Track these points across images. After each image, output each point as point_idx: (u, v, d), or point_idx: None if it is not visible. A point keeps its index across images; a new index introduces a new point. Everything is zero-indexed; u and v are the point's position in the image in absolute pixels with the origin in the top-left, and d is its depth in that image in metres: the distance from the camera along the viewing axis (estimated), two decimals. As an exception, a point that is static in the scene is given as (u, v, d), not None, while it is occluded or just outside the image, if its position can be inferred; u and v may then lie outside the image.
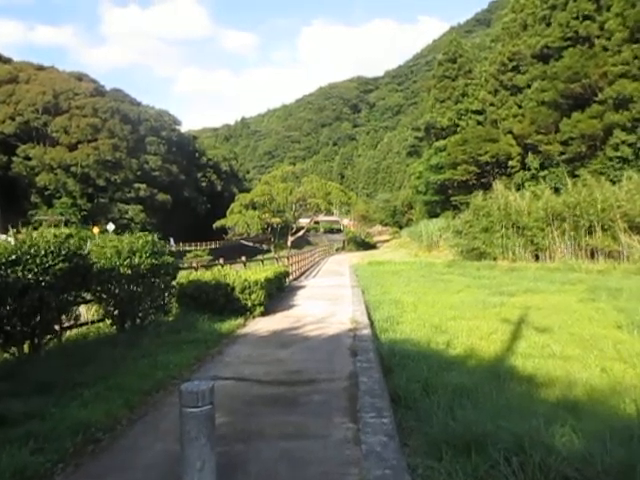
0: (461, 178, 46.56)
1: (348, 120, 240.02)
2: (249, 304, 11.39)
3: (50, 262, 6.65)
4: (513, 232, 28.36)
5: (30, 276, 6.41)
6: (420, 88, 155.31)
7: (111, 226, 63.55)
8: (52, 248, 6.76)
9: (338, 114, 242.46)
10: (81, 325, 9.22)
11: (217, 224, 59.11)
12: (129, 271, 8.63)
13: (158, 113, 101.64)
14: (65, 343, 8.25)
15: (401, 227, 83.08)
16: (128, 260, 8.69)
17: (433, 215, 53.35)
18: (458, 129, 51.49)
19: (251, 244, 60.55)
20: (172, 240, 74.73)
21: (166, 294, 9.53)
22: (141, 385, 5.94)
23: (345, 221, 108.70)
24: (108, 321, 9.16)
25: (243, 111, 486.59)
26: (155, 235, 9.61)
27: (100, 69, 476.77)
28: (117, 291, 8.69)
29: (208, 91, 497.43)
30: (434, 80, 59.30)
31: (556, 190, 32.62)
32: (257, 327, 10.40)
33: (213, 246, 75.75)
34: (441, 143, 51.04)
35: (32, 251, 6.56)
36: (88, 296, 8.49)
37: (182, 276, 12.34)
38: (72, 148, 77.95)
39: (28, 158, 76.43)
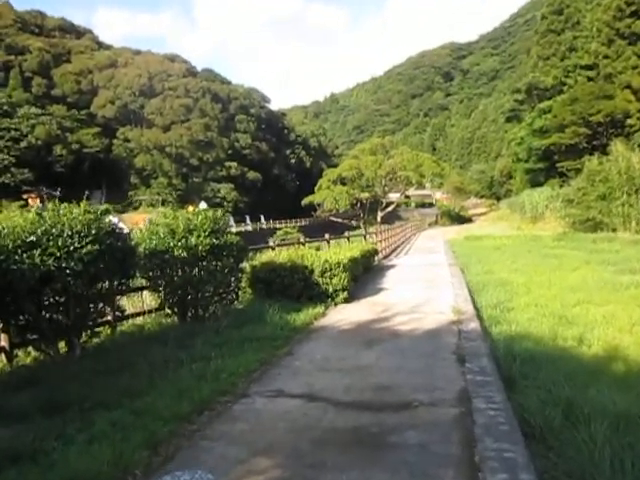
0: (569, 141, 42.01)
1: (440, 89, 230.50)
2: (330, 289, 9.79)
3: (76, 244, 5.35)
4: (637, 199, 24.65)
5: (51, 262, 5.13)
6: (518, 50, 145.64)
7: (203, 204, 64.43)
8: (78, 227, 5.45)
9: (429, 83, 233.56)
10: (137, 315, 8.08)
11: (305, 201, 58.00)
12: (185, 253, 7.28)
13: (247, 91, 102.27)
14: (113, 339, 7.09)
15: (499, 199, 78.20)
16: (184, 240, 7.33)
17: (536, 184, 48.96)
18: (565, 88, 46.61)
19: (340, 220, 58.87)
20: (262, 218, 75.23)
21: (231, 279, 8.09)
22: (178, 407, 4.49)
23: (437, 194, 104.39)
24: (168, 311, 7.93)
25: (332, 87, 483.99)
26: (221, 211, 8.22)
27: (194, 53, 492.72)
28: (172, 277, 7.39)
29: (297, 69, 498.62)
30: (537, 36, 54.28)
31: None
32: (338, 317, 8.77)
33: (303, 223, 75.21)
34: (546, 104, 46.41)
35: (54, 231, 5.28)
36: (135, 283, 7.24)
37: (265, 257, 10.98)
38: (166, 129, 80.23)
39: (127, 140, 79.74)
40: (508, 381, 5.41)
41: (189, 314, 7.81)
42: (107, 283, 6.11)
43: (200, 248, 7.37)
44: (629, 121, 38.91)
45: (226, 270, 7.77)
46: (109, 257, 5.77)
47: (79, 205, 5.86)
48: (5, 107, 68.14)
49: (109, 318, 7.44)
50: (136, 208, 73.18)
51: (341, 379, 5.43)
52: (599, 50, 43.96)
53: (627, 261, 15.43)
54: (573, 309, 9.16)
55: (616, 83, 40.72)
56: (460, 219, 73.43)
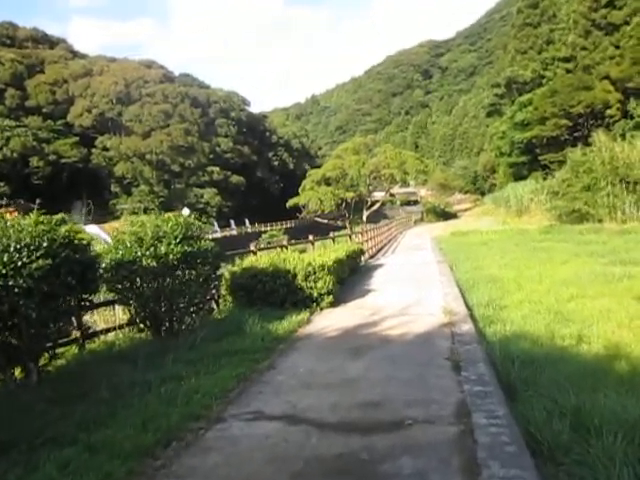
0: (551, 134, 41.97)
1: (420, 87, 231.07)
2: (315, 294, 9.27)
3: (25, 259, 4.78)
4: (622, 189, 24.46)
5: (-5, 280, 4.56)
6: (495, 46, 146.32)
7: (186, 211, 62.72)
8: (27, 240, 4.88)
9: (409, 82, 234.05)
10: (107, 331, 7.51)
11: (290, 203, 57.47)
12: (154, 263, 6.72)
13: (227, 94, 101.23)
14: (79, 359, 6.50)
15: (483, 194, 78.30)
16: (152, 249, 6.77)
17: (519, 178, 48.90)
18: (544, 81, 46.61)
19: (326, 221, 58.45)
20: (247, 222, 74.49)
21: (207, 288, 7.54)
22: (141, 439, 3.95)
23: (422, 192, 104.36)
24: (141, 325, 7.36)
25: (313, 88, 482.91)
26: (193, 216, 7.67)
27: (172, 60, 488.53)
28: (142, 289, 6.82)
29: (278, 71, 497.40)
30: (514, 30, 54.33)
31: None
32: (324, 324, 8.25)
33: (288, 225, 74.58)
34: (526, 98, 46.35)
35: (-1, 245, 4.70)
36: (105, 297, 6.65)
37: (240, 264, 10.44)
38: (146, 136, 78.98)
39: (106, 149, 78.40)
40: (508, 389, 4.95)
41: (163, 328, 7.24)
42: (66, 300, 5.51)
43: (171, 257, 6.80)
44: (609, 111, 38.94)
45: (201, 279, 7.22)
46: (65, 271, 5.20)
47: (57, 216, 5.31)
48: (-22, 120, 66.73)
49: (77, 336, 6.89)
50: (117, 217, 72.00)
51: (327, 396, 4.92)
52: (576, 42, 44.01)
53: (616, 252, 15.16)
54: (568, 304, 8.74)
55: (594, 74, 40.73)
56: (445, 215, 73.22)
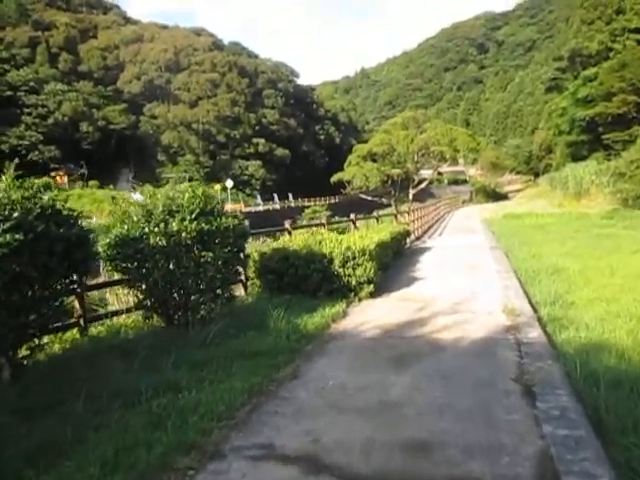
0: (617, 111, 38.91)
1: (474, 62, 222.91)
2: (353, 282, 8.09)
3: (-9, 234, 3.78)
4: (701, 173, 22.17)
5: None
6: (557, 19, 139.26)
7: (230, 182, 63.15)
8: (-5, 209, 3.87)
9: (463, 56, 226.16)
10: (114, 315, 6.59)
11: (334, 178, 56.07)
12: (164, 241, 5.68)
13: (275, 65, 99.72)
14: (74, 348, 5.58)
15: (537, 174, 74.82)
16: (162, 225, 5.73)
17: (579, 158, 45.85)
18: (612, 54, 43.04)
19: (370, 198, 56.93)
20: (290, 196, 73.59)
21: (228, 273, 6.46)
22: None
23: (471, 171, 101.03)
24: (149, 313, 6.40)
25: (363, 62, 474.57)
26: (215, 187, 6.57)
27: (223, 29, 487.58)
28: (149, 271, 5.81)
29: (328, 44, 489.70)
30: (580, -1, 50.36)
31: None
32: (362, 319, 7.08)
33: (332, 201, 73.34)
34: (591, 72, 43.09)
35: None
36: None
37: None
38: (193, 105, 78.77)
39: (154, 117, 78.65)
40: (599, 429, 3.71)
41: (175, 317, 6.23)
42: (45, 284, 4.51)
43: (184, 235, 5.74)
44: (685, 88, 35.69)
45: (220, 262, 6.13)
46: (42, 249, 4.19)
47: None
48: (32, 83, 67.58)
49: (76, 320, 5.98)
50: (163, 186, 72.34)
51: (360, 427, 3.78)
52: (652, 11, 40.40)
53: None
54: None
55: (671, 46, 37.34)
56: (496, 196, 70.52)
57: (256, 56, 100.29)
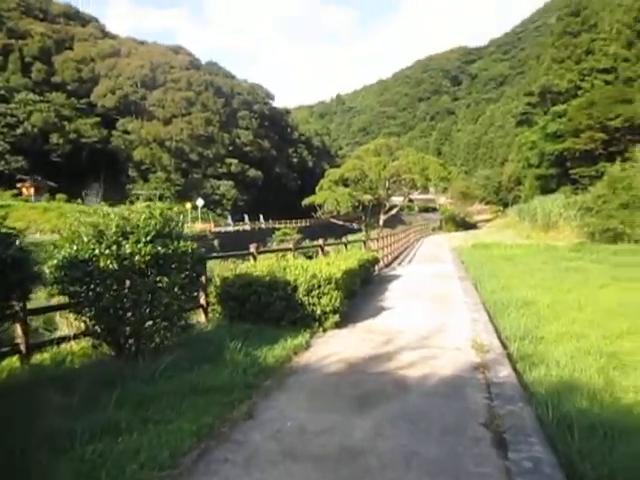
0: (584, 147, 39.98)
1: (447, 93, 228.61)
2: (318, 311, 7.76)
3: None
4: (664, 209, 22.73)
5: None
6: (529, 56, 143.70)
7: (200, 201, 62.47)
8: None
9: (436, 87, 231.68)
10: (61, 341, 6.10)
11: (306, 201, 55.87)
12: (115, 264, 5.28)
13: (251, 87, 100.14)
14: (8, 380, 5.09)
15: (505, 205, 76.21)
16: (115, 247, 5.33)
17: (547, 191, 46.87)
18: (580, 92, 44.46)
19: (341, 222, 56.82)
20: (261, 217, 73.14)
21: (184, 299, 6.06)
22: None
23: (442, 199, 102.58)
24: (96, 341, 5.94)
25: (339, 88, 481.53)
26: (172, 206, 6.23)
27: (202, 50, 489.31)
28: (98, 296, 5.39)
29: (305, 69, 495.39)
30: (552, 38, 52.22)
31: None
32: (325, 352, 6.73)
33: (303, 224, 73.17)
34: (560, 108, 44.33)
35: None
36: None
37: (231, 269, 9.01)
38: (167, 122, 78.20)
39: (126, 132, 77.67)
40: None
41: (126, 345, 5.80)
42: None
43: (137, 258, 5.36)
44: (649, 127, 36.91)
45: (176, 288, 5.75)
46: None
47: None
48: (2, 92, 66.15)
49: (17, 347, 5.49)
50: (133, 202, 71.00)
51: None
52: (618, 53, 41.98)
53: None
54: (620, 343, 7.33)
55: (636, 87, 38.68)
56: (465, 225, 71.42)
57: (233, 77, 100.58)
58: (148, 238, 5.48)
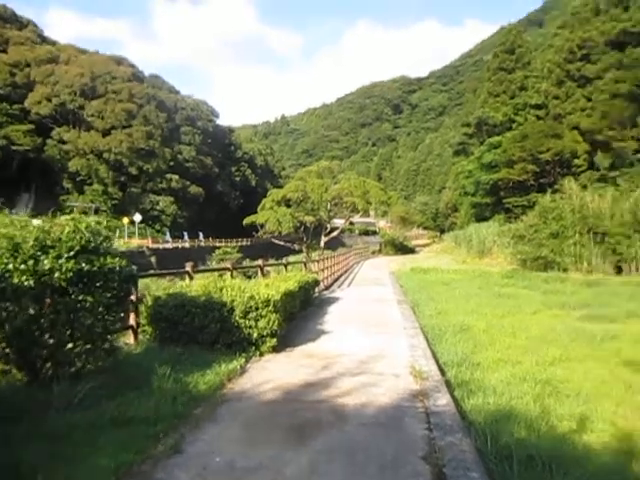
0: (517, 178, 41.80)
1: (389, 121, 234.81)
2: (255, 334, 7.45)
3: None
4: (589, 239, 23.79)
5: None
6: (466, 89, 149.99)
7: (138, 217, 60.59)
8: None
9: (379, 114, 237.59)
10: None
11: (247, 220, 55.33)
12: (31, 281, 4.81)
13: (195, 103, 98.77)
14: None
15: (442, 231, 78.38)
16: (32, 262, 4.86)
17: (481, 218, 48.58)
18: (514, 125, 46.68)
19: (282, 243, 56.58)
20: (201, 235, 71.76)
21: (109, 320, 5.61)
22: None
23: (381, 223, 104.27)
24: (11, 366, 5.38)
25: (284, 109, 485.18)
26: (101, 219, 5.80)
27: (150, 64, 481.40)
28: (11, 316, 4.88)
29: (250, 89, 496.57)
30: (488, 73, 54.56)
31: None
32: (261, 379, 6.41)
33: (244, 243, 72.31)
34: (495, 139, 46.27)
35: None
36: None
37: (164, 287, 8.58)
38: (105, 134, 75.53)
39: (62, 142, 74.33)
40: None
41: (43, 370, 5.28)
42: None
43: (58, 275, 4.91)
44: (576, 161, 39.08)
45: (101, 308, 5.31)
46: None
47: None
48: None
49: None
50: (66, 214, 67.90)
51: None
52: (549, 90, 44.39)
53: (588, 305, 14.42)
54: (553, 369, 7.53)
55: (565, 123, 40.99)
56: (404, 249, 72.63)
57: (177, 92, 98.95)
58: (71, 253, 5.05)
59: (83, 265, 5.08)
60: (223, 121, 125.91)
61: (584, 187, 34.72)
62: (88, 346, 5.42)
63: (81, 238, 5.23)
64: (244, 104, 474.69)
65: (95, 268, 5.19)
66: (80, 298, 5.14)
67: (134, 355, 6.76)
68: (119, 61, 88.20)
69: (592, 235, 23.73)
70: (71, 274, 4.99)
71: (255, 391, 5.87)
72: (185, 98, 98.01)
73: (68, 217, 5.41)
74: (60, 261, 4.97)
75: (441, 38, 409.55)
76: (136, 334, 7.90)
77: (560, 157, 39.38)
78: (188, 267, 9.54)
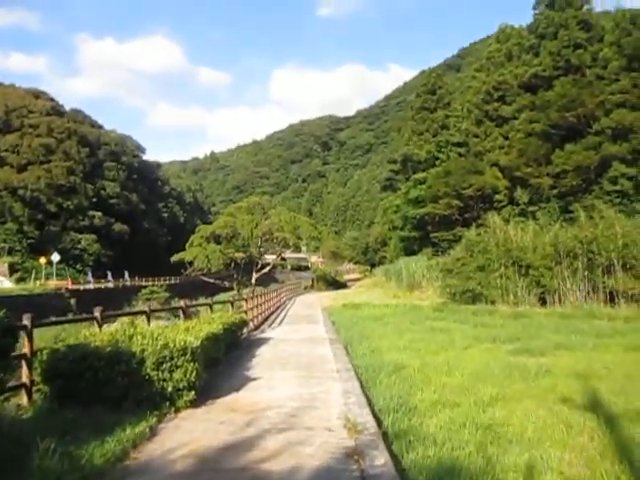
0: (443, 212, 42.94)
1: (318, 157, 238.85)
2: (169, 388, 6.56)
3: None
4: (514, 271, 24.31)
5: None
6: (391, 128, 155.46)
7: (56, 256, 57.09)
8: None
9: (308, 151, 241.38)
10: None
11: (175, 257, 53.48)
12: None
13: (120, 138, 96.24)
14: None
15: (373, 265, 79.22)
16: None
17: (410, 252, 49.41)
18: (438, 162, 48.30)
19: (212, 281, 55.00)
20: (126, 274, 68.67)
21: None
22: None
23: (313, 258, 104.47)
24: None
25: (213, 146, 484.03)
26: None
27: (73, 100, 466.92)
28: None
29: (179, 126, 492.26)
30: (411, 112, 56.55)
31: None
32: (174, 442, 5.53)
33: (172, 281, 69.83)
34: (420, 176, 47.67)
35: None
36: None
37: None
38: (21, 169, 71.67)
39: (-28, 177, 69.95)
40: None
41: None
42: None
43: None
44: (497, 196, 40.65)
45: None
46: None
47: None
48: None
49: None
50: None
51: None
52: (469, 129, 46.39)
53: (517, 338, 14.37)
54: (492, 411, 7.11)
55: (485, 160, 42.74)
56: (336, 284, 72.76)
57: (100, 126, 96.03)
58: None
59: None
60: (151, 157, 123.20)
61: (507, 221, 36.17)
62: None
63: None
64: (173, 140, 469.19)
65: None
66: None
67: (20, 422, 5.69)
68: (37, 94, 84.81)
69: (517, 267, 24.26)
70: None
71: (164, 460, 5.00)
72: (109, 133, 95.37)
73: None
74: None
75: (367, 79, 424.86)
76: (30, 394, 6.81)
77: (482, 192, 40.88)
78: (97, 312, 8.52)
